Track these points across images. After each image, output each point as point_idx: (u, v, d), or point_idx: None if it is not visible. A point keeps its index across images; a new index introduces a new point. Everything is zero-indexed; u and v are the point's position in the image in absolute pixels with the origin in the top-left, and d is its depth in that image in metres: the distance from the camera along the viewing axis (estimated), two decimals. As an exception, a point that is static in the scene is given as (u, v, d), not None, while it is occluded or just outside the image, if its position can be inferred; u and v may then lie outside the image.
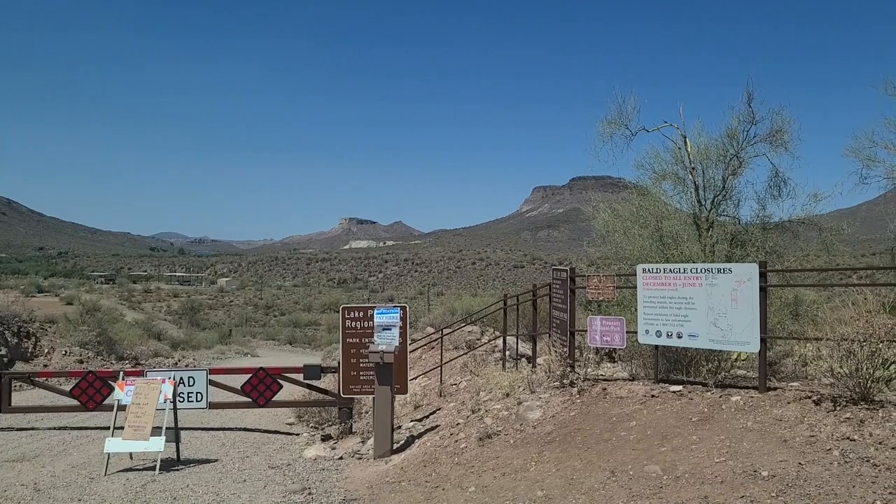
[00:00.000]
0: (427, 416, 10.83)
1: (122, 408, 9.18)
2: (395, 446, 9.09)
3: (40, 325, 22.94)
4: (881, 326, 6.44)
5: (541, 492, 5.93)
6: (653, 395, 7.88)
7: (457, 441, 8.29)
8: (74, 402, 11.38)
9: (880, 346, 6.29)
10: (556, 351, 9.54)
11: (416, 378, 14.81)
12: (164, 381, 9.34)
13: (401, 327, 9.55)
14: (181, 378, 10.74)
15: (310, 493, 7.29)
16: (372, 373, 9.47)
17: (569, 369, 8.92)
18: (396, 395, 9.83)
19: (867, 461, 5.17)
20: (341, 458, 9.26)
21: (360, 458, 9.09)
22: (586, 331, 9.09)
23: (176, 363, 25.90)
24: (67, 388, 11.91)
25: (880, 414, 6.05)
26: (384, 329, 9.29)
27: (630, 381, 8.88)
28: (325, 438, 10.60)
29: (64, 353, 21.51)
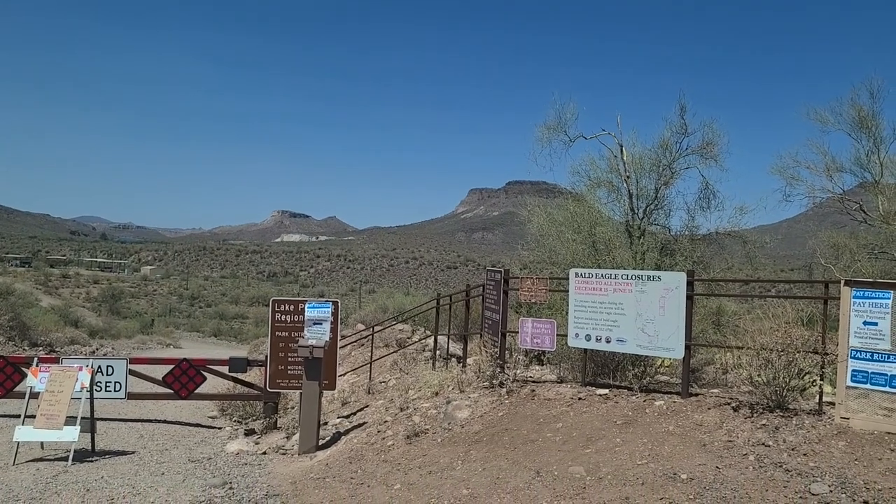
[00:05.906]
0: (355, 413, 10.73)
1: (34, 395, 8.78)
2: (321, 442, 8.98)
3: (-53, 307, 21.70)
4: (798, 338, 6.71)
5: (466, 490, 5.93)
6: (580, 398, 8.01)
7: (384, 438, 8.24)
8: (-18, 389, 10.80)
9: (797, 356, 6.55)
10: (486, 351, 9.59)
11: (345, 374, 14.69)
12: (80, 369, 8.98)
13: (332, 322, 9.43)
14: (99, 366, 10.33)
15: (231, 488, 7.10)
16: (300, 367, 9.32)
17: (498, 370, 8.98)
18: (324, 391, 9.70)
19: (780, 466, 5.37)
20: (265, 452, 9.08)
21: (284, 454, 8.93)
22: (517, 332, 9.17)
23: (94, 352, 24.87)
24: (-25, 373, 11.29)
25: (794, 421, 6.31)
26: (315, 323, 9.16)
27: (558, 383, 9.01)
28: (249, 433, 10.37)
29: (-28, 337, 20.39)
